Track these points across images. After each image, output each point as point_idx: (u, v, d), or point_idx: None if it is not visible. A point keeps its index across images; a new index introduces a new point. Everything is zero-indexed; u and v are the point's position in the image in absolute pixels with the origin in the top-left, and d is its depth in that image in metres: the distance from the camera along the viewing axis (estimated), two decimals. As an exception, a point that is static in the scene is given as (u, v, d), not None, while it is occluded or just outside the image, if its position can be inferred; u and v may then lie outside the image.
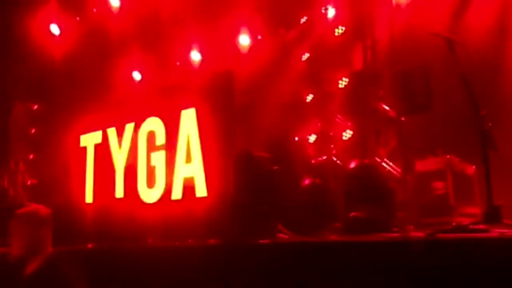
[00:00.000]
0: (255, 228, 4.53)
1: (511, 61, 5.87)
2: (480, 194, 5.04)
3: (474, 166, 5.56)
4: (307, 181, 6.10)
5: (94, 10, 8.42)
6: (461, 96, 4.04)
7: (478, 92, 3.98)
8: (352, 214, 5.20)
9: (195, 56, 8.00)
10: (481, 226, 4.02)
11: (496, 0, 6.10)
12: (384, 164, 6.06)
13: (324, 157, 6.88)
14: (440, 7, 6.33)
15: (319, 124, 7.32)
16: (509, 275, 3.18)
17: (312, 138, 7.37)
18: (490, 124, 3.92)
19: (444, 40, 3.98)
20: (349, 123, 6.82)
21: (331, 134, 6.96)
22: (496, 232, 3.86)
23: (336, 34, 7.12)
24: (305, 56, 7.74)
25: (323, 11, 7.33)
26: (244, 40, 7.79)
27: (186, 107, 6.84)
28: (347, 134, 6.80)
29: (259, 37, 8.07)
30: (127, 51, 8.12)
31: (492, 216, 3.93)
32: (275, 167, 5.10)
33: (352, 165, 5.81)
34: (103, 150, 7.22)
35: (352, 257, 3.67)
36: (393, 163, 5.97)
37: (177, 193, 6.50)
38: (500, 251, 3.34)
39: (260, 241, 4.37)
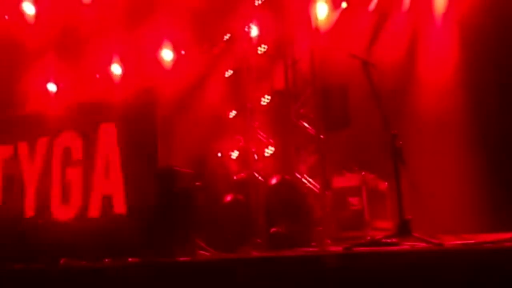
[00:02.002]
0: (175, 245, 4.45)
1: (419, 83, 6.27)
2: (392, 209, 5.30)
3: (386, 183, 5.85)
4: (228, 197, 6.10)
5: (6, 17, 7.96)
6: (375, 115, 4.25)
7: (391, 111, 4.21)
8: (272, 229, 5.26)
9: (116, 69, 7.77)
10: (393, 240, 4.22)
11: (406, 27, 6.51)
12: (304, 180, 6.21)
13: (246, 173, 6.93)
14: (357, 31, 6.65)
15: (241, 140, 7.37)
16: (419, 284, 3.35)
17: (234, 154, 7.40)
18: (401, 142, 4.15)
19: (359, 61, 4.18)
20: (271, 140, 6.93)
21: (253, 150, 7.02)
22: (406, 245, 4.06)
23: (259, 52, 7.24)
24: (229, 72, 7.80)
25: (246, 29, 7.44)
26: (167, 54, 7.70)
27: (106, 121, 6.62)
28: (269, 151, 6.90)
29: (183, 52, 8.02)
30: (43, 62, 7.73)
31: (403, 229, 4.14)
32: (197, 183, 5.06)
33: (273, 181, 5.90)
34: (13, 165, 6.79)
35: (273, 272, 3.70)
36: (313, 179, 6.13)
37: (94, 210, 6.23)
38: (411, 262, 3.52)
39: (180, 258, 4.29)
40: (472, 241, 3.87)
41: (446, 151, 5.85)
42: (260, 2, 7.28)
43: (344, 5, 6.99)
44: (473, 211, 5.54)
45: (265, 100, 7.07)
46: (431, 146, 5.88)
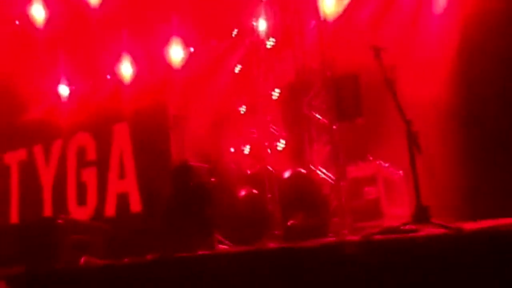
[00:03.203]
0: (194, 240, 4.47)
1: (422, 62, 6.07)
2: (409, 197, 5.25)
3: (401, 171, 5.79)
4: (243, 192, 6.11)
5: (17, 22, 8.02)
6: (388, 103, 4.22)
7: (405, 97, 4.17)
8: (290, 222, 5.26)
9: (126, 69, 7.80)
10: (411, 227, 4.19)
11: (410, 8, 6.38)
12: (318, 172, 6.19)
13: (260, 167, 6.93)
14: (363, 18, 6.57)
15: (253, 135, 7.36)
16: (436, 270, 3.34)
17: (247, 149, 7.39)
18: (415, 129, 4.11)
19: (371, 48, 4.15)
20: (283, 133, 6.91)
21: (266, 144, 7.02)
22: (425, 231, 4.04)
23: (268, 45, 7.22)
24: (238, 67, 7.78)
25: (254, 23, 7.42)
26: (176, 52, 7.70)
27: (118, 121, 6.69)
28: (281, 144, 6.88)
29: (192, 49, 8.02)
30: (53, 64, 7.77)
31: (421, 216, 4.11)
32: (212, 179, 5.07)
33: (286, 174, 5.89)
34: (28, 168, 6.89)
35: (291, 263, 3.71)
36: (327, 170, 6.11)
37: (110, 210, 6.30)
38: (430, 248, 3.51)
39: (200, 252, 4.30)
40: (491, 225, 3.83)
41: (454, 136, 5.72)
42: (266, -4, 7.24)
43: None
44: (487, 196, 5.45)
45: (276, 93, 7.05)
46: (438, 132, 5.75)
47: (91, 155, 6.64)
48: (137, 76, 7.59)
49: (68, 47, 7.72)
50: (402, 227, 4.21)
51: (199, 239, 4.46)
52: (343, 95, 5.76)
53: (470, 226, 4.06)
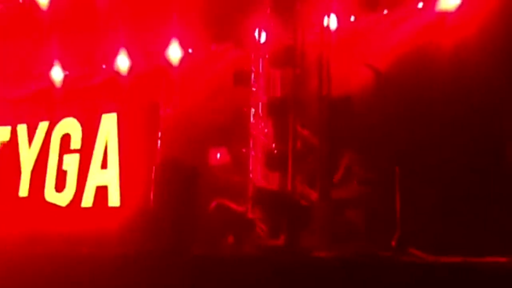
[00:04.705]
0: (172, 240, 4.39)
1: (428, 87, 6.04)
2: (391, 223, 5.23)
3: (385, 195, 5.77)
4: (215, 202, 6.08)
5: (20, 0, 7.97)
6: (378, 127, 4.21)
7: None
8: (273, 239, 5.25)
9: (123, 61, 7.75)
10: (389, 253, 4.20)
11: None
12: (303, 190, 6.16)
13: (244, 179, 6.89)
14: (368, 36, 6.56)
15: (241, 145, 7.32)
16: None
17: (234, 158, 7.34)
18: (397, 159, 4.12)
19: (373, 71, 4.17)
20: (273, 146, 6.88)
21: (253, 155, 6.99)
22: (403, 258, 4.04)
23: (266, 57, 7.22)
24: (236, 76, 7.74)
25: (255, 34, 7.42)
26: (175, 51, 7.68)
27: (108, 111, 6.61)
28: (270, 158, 6.82)
29: (190, 50, 8.01)
30: (50, 44, 7.69)
31: (400, 244, 4.13)
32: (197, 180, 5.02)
33: (266, 190, 5.89)
34: (10, 147, 6.76)
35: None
36: (312, 189, 6.09)
37: (87, 201, 6.20)
38: (406, 276, 3.51)
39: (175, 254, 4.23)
40: (468, 258, 3.85)
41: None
42: (269, 9, 7.25)
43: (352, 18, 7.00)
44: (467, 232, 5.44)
45: (268, 106, 7.02)
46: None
47: (76, 142, 6.53)
48: (132, 70, 7.54)
49: (68, 31, 7.65)
50: (379, 253, 4.21)
51: (178, 239, 4.39)
52: (337, 116, 5.77)
53: (446, 260, 4.07)
